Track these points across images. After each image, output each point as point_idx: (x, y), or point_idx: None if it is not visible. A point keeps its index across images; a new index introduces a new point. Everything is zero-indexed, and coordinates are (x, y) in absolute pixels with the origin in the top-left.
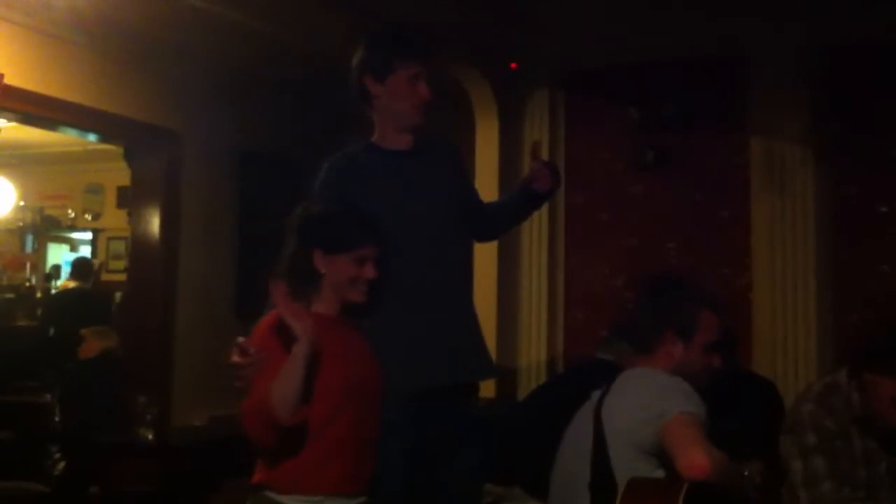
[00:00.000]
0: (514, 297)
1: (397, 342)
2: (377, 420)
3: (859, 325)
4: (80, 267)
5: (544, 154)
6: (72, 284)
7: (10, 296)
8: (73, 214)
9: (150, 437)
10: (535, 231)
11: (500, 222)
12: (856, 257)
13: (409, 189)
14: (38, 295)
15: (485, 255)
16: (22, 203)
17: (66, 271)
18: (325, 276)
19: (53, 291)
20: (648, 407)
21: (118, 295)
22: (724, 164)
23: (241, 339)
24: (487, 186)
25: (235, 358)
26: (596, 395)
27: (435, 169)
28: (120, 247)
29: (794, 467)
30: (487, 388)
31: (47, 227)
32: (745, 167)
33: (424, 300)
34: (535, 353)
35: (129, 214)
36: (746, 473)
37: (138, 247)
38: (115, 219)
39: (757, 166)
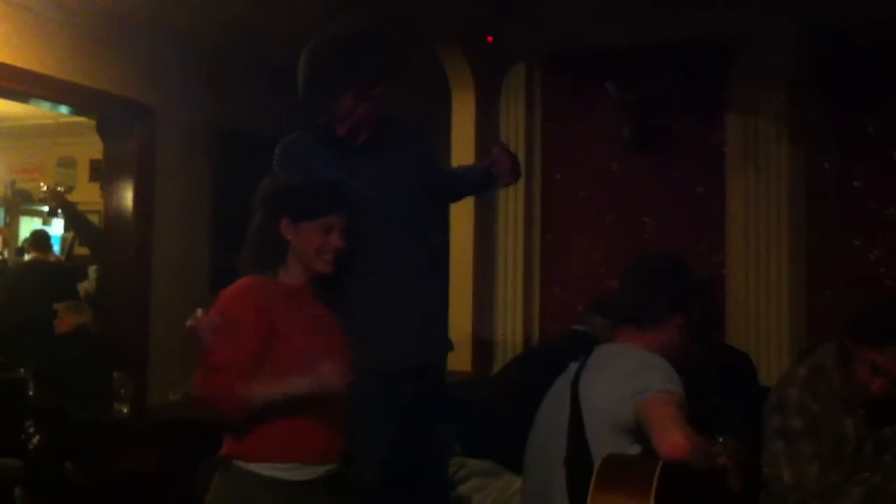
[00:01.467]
0: (491, 273)
1: (357, 321)
2: (343, 390)
3: (832, 301)
4: (38, 239)
5: (521, 130)
6: (31, 256)
7: None
8: (45, 188)
9: (126, 412)
10: (512, 207)
11: (454, 195)
12: (829, 234)
13: (360, 189)
14: None
15: (462, 232)
16: None
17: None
18: (292, 246)
19: (10, 264)
20: (628, 384)
21: (92, 269)
22: (701, 143)
23: (199, 309)
24: (462, 162)
25: (189, 322)
26: (573, 367)
27: (389, 167)
28: (93, 220)
29: (777, 446)
30: (464, 363)
31: (19, 201)
32: (721, 145)
33: (378, 286)
34: (511, 329)
35: (103, 189)
36: (721, 440)
37: (112, 222)
38: (88, 193)
39: (733, 144)
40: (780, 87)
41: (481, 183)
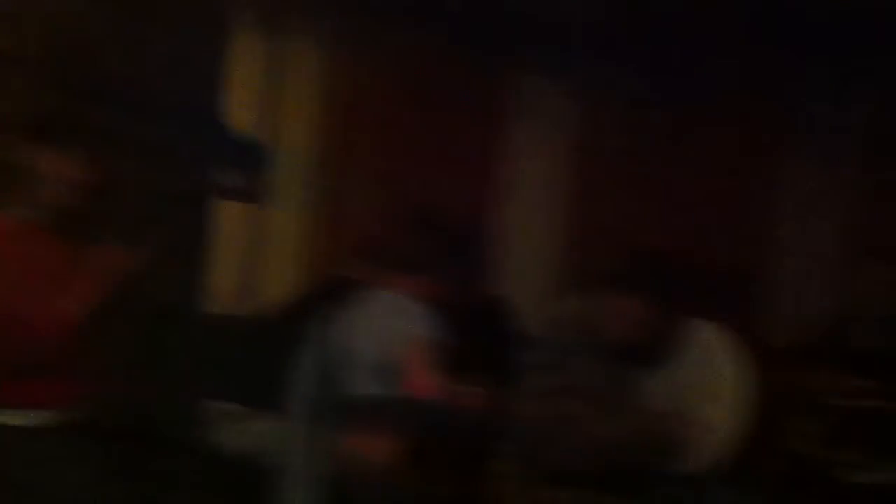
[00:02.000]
0: (257, 218)
1: None
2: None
3: (589, 248)
4: None
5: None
6: None
7: None
8: None
9: None
10: (290, 149)
11: None
12: (591, 182)
13: None
14: None
15: None
16: None
17: None
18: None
19: None
20: (386, 329)
21: None
22: (473, 91)
23: None
24: (245, 106)
25: None
26: (333, 312)
27: None
28: None
29: (536, 384)
30: (227, 307)
31: None
32: (495, 95)
33: None
34: (278, 273)
35: None
36: (475, 383)
37: None
38: None
39: (508, 94)
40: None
41: None
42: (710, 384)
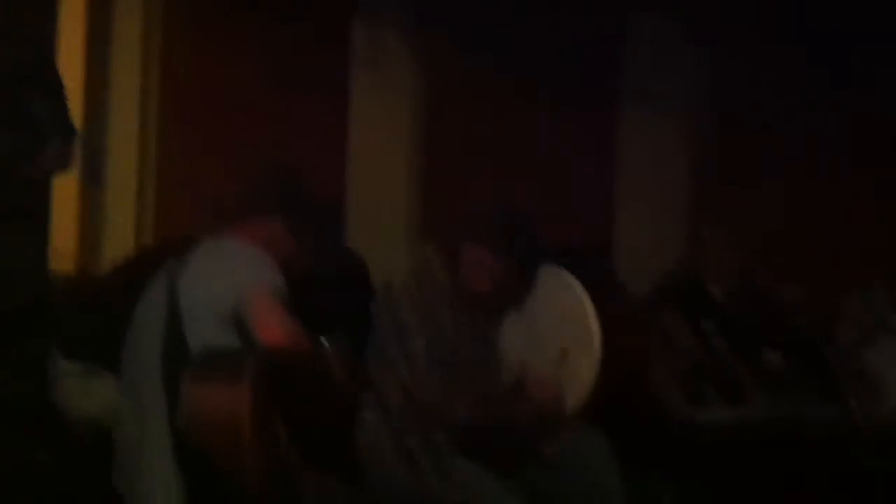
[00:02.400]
0: (98, 175)
1: None
2: None
3: (449, 198)
4: None
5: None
6: None
7: None
8: None
9: None
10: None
11: None
12: (450, 131)
13: None
14: None
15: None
16: None
17: None
18: None
19: None
20: (229, 278)
21: None
22: (317, 47)
23: None
24: (71, 76)
25: None
26: (172, 263)
27: None
28: None
29: (387, 340)
30: (68, 264)
31: None
32: (339, 50)
33: None
34: (121, 231)
35: None
36: (325, 344)
37: None
38: None
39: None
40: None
41: None
42: (566, 331)
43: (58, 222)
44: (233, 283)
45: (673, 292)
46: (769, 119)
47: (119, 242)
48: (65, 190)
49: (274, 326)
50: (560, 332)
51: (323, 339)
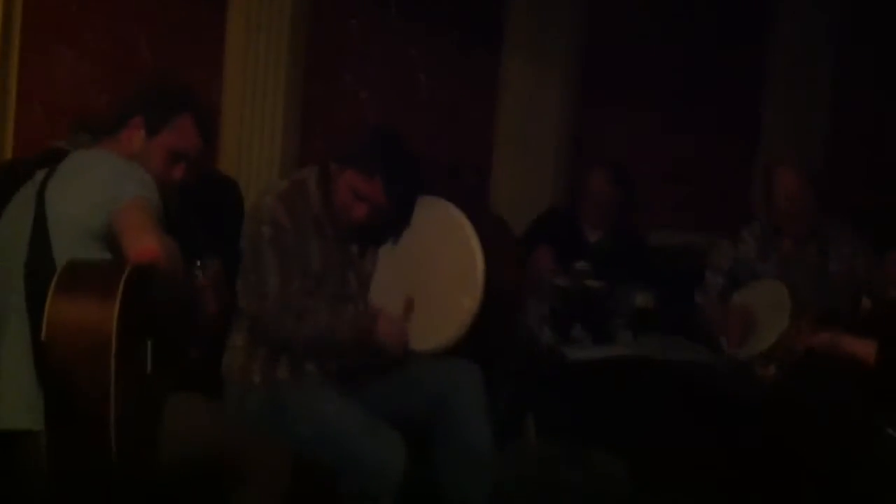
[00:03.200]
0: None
1: None
2: None
3: (327, 144)
4: None
5: None
6: None
7: None
8: None
9: None
10: None
11: None
12: (325, 81)
13: None
14: None
15: None
16: None
17: None
18: None
19: None
20: (101, 191)
21: None
22: None
23: None
24: None
25: None
26: (39, 175)
27: None
28: None
29: (247, 259)
30: None
31: None
32: None
33: None
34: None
35: None
36: (199, 264)
37: None
38: None
39: None
40: None
41: None
42: (444, 263)
43: None
44: (105, 196)
45: (548, 232)
46: (640, 64)
47: None
48: None
49: (147, 242)
50: (439, 265)
51: (196, 261)
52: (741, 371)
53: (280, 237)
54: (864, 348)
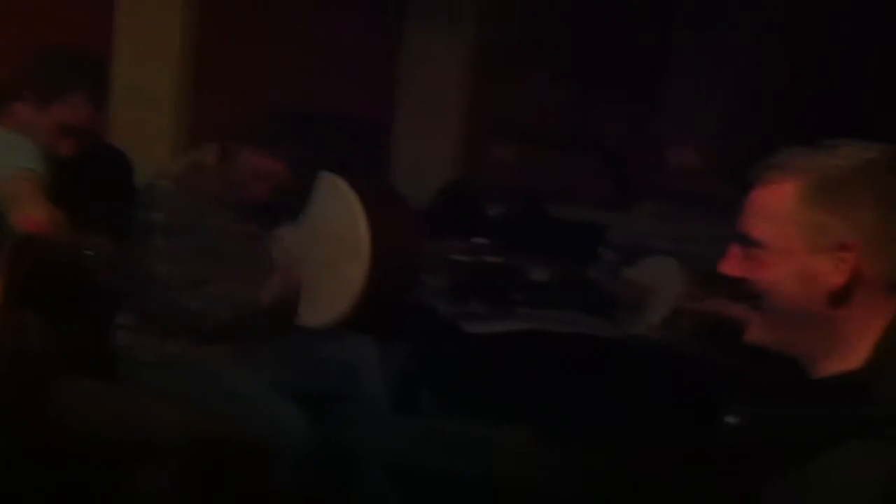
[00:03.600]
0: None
1: None
2: None
3: (220, 106)
4: None
5: None
6: None
7: None
8: None
9: None
10: None
11: None
12: (219, 40)
13: None
14: None
15: None
16: None
17: None
18: None
19: None
20: None
21: None
22: None
23: None
24: None
25: None
26: None
27: None
28: None
29: (140, 242)
30: None
31: None
32: None
33: None
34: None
35: None
36: (89, 238)
37: None
38: None
39: None
40: None
41: None
42: (342, 237)
43: None
44: None
45: (447, 206)
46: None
47: None
48: None
49: (33, 212)
50: (330, 242)
51: (87, 235)
52: (637, 343)
53: (175, 222)
54: (747, 316)
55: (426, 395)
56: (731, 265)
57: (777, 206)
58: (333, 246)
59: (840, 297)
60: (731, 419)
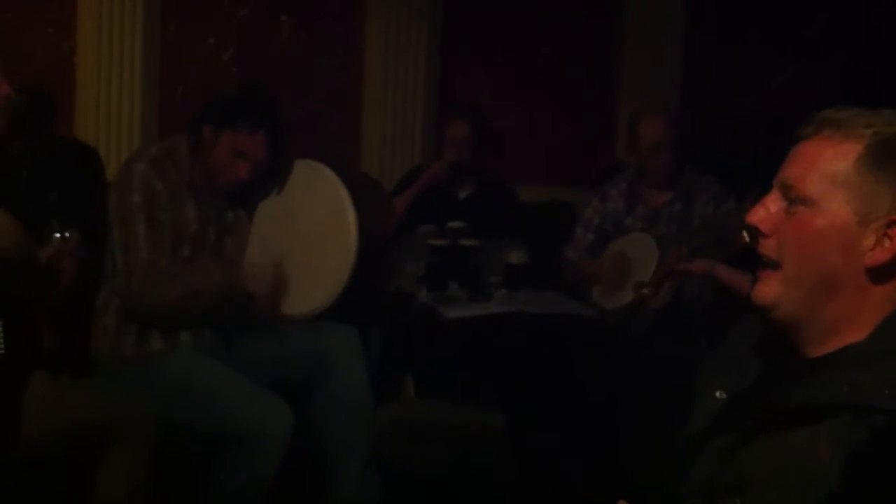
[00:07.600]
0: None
1: None
2: None
3: (185, 99)
4: None
5: None
6: None
7: None
8: None
9: None
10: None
11: None
12: (183, 32)
13: None
14: None
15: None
16: None
17: None
18: None
19: None
20: None
21: None
22: None
23: None
24: None
25: None
26: None
27: None
28: None
29: (115, 231)
30: None
31: None
32: None
33: None
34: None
35: None
36: (55, 236)
37: None
38: None
39: None
40: None
41: None
42: (318, 225)
43: None
44: None
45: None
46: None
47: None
48: None
49: None
50: (313, 227)
51: (51, 233)
52: (613, 321)
53: (152, 204)
54: (740, 279)
55: (407, 380)
56: (761, 217)
57: (834, 164)
58: (319, 236)
59: (875, 273)
60: (719, 394)
